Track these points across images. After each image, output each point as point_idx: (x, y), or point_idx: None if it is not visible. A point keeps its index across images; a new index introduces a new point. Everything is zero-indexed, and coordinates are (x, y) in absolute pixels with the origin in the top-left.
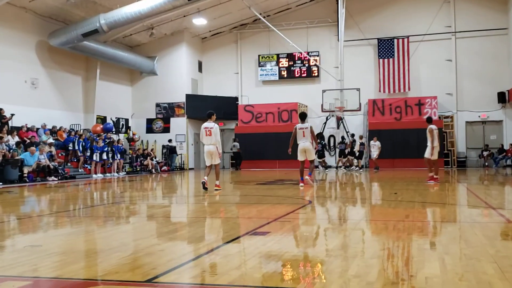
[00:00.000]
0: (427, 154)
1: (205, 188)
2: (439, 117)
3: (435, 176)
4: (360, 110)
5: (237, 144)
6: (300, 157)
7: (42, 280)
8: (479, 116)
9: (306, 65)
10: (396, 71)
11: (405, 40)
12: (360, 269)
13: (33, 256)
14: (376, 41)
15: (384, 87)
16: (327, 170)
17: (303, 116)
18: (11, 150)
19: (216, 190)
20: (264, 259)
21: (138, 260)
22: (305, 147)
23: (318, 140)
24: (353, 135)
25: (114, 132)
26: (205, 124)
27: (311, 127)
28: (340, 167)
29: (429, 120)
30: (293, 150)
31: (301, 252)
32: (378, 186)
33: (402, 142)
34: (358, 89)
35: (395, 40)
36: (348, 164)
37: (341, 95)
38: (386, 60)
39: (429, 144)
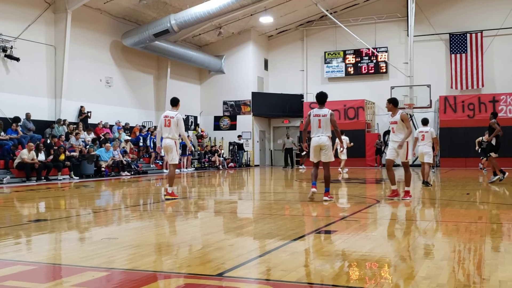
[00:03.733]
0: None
1: (168, 199)
2: None
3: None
4: (430, 107)
5: (288, 140)
6: (313, 157)
7: (119, 272)
8: None
9: (374, 61)
10: (469, 67)
11: (479, 34)
12: (430, 271)
13: (110, 248)
14: (448, 36)
15: (456, 83)
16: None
17: (321, 98)
18: (87, 146)
19: (168, 199)
20: (331, 258)
21: (208, 254)
22: (320, 143)
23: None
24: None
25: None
26: (166, 112)
27: (331, 115)
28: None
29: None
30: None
31: (368, 252)
32: (449, 186)
33: (475, 141)
34: (429, 86)
35: (468, 35)
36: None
37: (410, 91)
38: (458, 55)
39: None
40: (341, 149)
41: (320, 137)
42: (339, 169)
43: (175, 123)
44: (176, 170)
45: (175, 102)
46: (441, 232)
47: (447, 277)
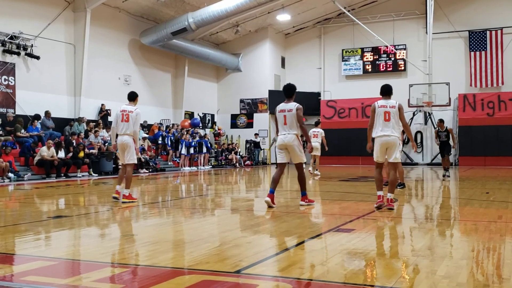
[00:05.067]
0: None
1: (117, 199)
2: None
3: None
4: (449, 105)
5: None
6: (279, 158)
7: (138, 268)
8: None
9: (392, 59)
10: (489, 65)
11: (498, 32)
12: (449, 270)
13: (129, 244)
14: (467, 33)
15: (475, 81)
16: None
17: (287, 91)
18: (106, 144)
19: (125, 202)
20: (349, 256)
21: (226, 251)
22: (286, 142)
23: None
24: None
25: (201, 127)
26: (123, 107)
27: (297, 109)
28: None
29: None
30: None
31: (387, 251)
32: (468, 185)
33: (495, 139)
34: (448, 84)
35: (488, 32)
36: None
37: (429, 89)
38: (478, 53)
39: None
40: (308, 147)
41: (285, 136)
42: (309, 169)
43: (134, 118)
44: (193, 167)
45: (133, 97)
46: (460, 231)
47: (466, 276)
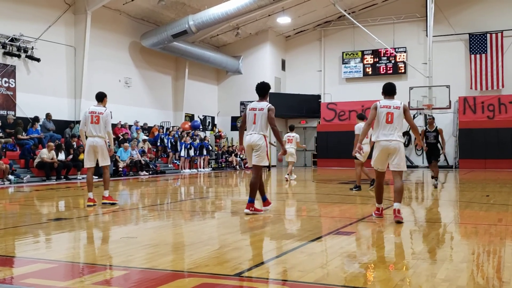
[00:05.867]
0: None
1: (90, 206)
2: None
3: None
4: (450, 108)
5: None
6: (249, 159)
7: (137, 270)
8: None
9: (392, 61)
10: (489, 67)
11: (499, 34)
12: (449, 273)
13: (128, 247)
14: (467, 36)
15: (476, 84)
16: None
17: (260, 90)
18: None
19: (105, 203)
20: (349, 259)
21: (226, 254)
22: (251, 142)
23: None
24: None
25: (201, 130)
26: (92, 108)
27: (269, 110)
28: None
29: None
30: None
31: (387, 254)
32: (468, 187)
33: (495, 142)
34: (448, 86)
35: (488, 35)
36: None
37: (429, 92)
38: (478, 56)
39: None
40: (281, 151)
41: (252, 135)
42: (286, 176)
43: (105, 119)
44: (193, 170)
45: (101, 97)
46: (461, 234)
47: (466, 279)
